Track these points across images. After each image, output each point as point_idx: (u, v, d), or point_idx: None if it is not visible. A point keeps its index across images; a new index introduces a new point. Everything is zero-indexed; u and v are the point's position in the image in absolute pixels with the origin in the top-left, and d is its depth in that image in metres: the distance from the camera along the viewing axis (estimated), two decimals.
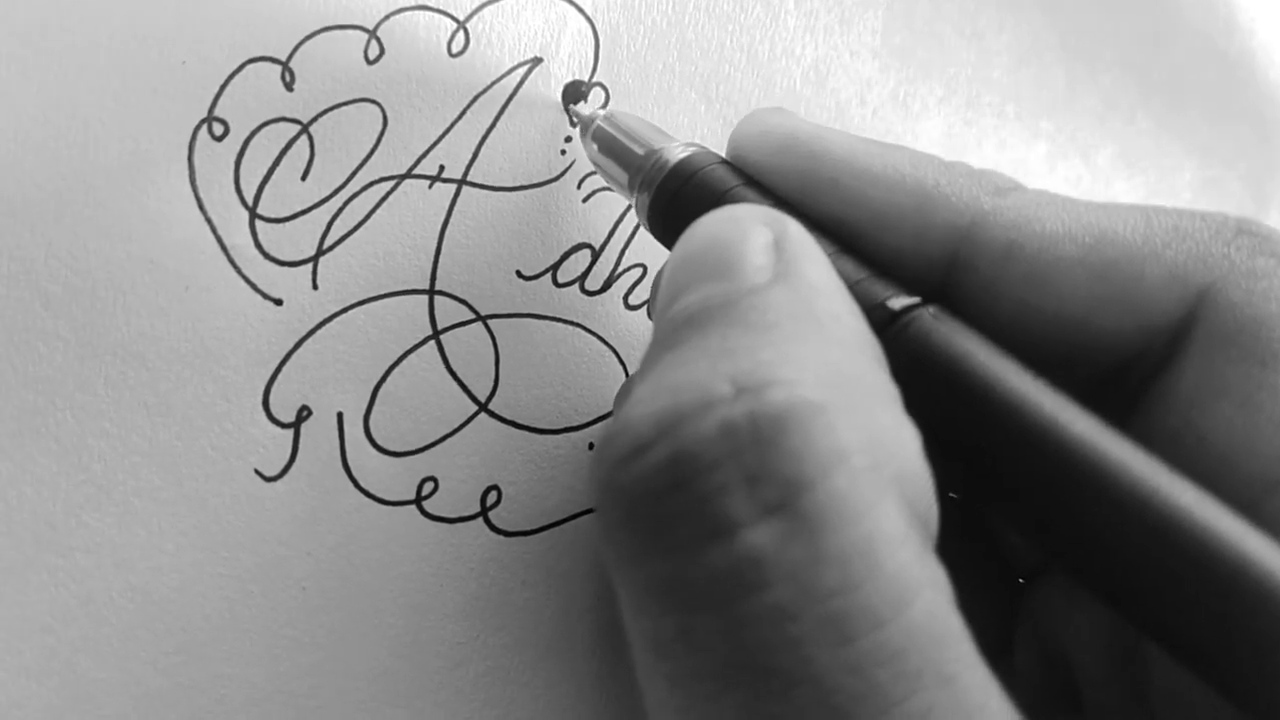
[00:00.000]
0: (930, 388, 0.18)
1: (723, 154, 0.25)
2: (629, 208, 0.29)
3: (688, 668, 0.15)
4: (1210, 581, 0.16)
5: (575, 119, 0.27)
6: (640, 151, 0.25)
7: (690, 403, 0.15)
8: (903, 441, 0.16)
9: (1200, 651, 0.16)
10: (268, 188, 0.26)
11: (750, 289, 0.17)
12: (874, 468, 0.15)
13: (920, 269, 0.22)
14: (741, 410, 0.15)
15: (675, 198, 0.23)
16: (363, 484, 0.27)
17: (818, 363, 0.16)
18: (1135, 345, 0.20)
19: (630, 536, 0.16)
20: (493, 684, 0.28)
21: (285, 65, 0.26)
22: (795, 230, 0.19)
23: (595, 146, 0.27)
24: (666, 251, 0.26)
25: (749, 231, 0.18)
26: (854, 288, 0.20)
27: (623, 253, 0.29)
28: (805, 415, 0.15)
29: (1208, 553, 0.16)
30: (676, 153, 0.24)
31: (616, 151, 0.26)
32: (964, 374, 0.18)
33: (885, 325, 0.19)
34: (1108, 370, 0.21)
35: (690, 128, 0.30)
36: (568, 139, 0.29)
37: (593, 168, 0.29)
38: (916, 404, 0.17)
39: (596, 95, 0.29)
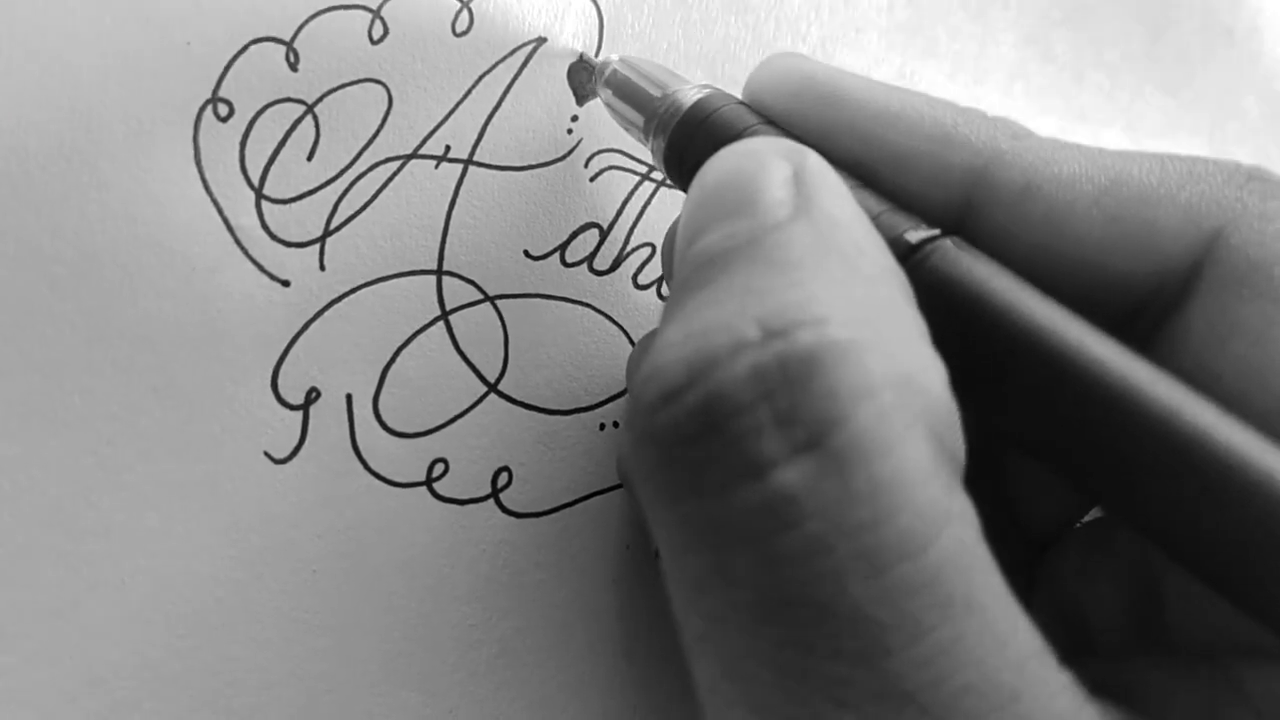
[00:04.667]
0: (953, 318, 0.18)
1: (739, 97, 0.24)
2: (636, 186, 0.29)
3: (725, 603, 0.15)
4: (1239, 497, 0.16)
5: (589, 65, 0.27)
6: (655, 94, 0.24)
7: (720, 346, 0.16)
8: (931, 375, 0.16)
9: (1232, 571, 0.16)
10: (273, 168, 0.26)
11: (772, 224, 0.17)
12: (903, 402, 0.15)
13: (935, 210, 0.22)
14: (771, 353, 0.15)
15: (692, 139, 0.23)
16: (373, 466, 0.27)
17: (844, 299, 0.16)
18: (1148, 286, 0.21)
19: (667, 480, 0.16)
20: (506, 666, 0.27)
21: (289, 45, 0.26)
22: (815, 162, 0.19)
23: (610, 91, 0.26)
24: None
25: (767, 165, 0.18)
26: (874, 220, 0.19)
27: (631, 232, 0.29)
28: (833, 355, 0.15)
29: (1235, 469, 0.16)
30: (691, 94, 0.24)
31: (631, 95, 0.25)
32: (988, 302, 0.18)
33: (906, 257, 0.19)
34: (1121, 311, 0.21)
35: None
36: (574, 118, 0.29)
37: (600, 146, 0.29)
38: (938, 335, 0.17)
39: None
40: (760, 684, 0.15)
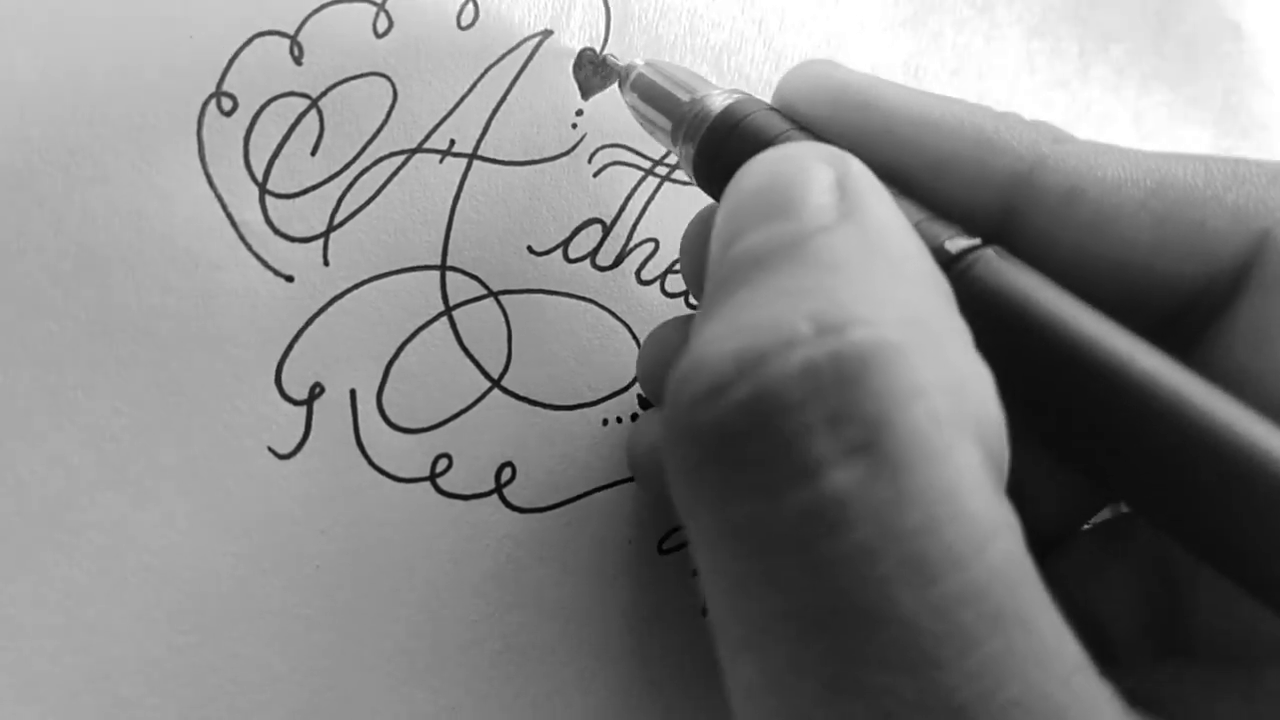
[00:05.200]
0: (995, 329, 0.18)
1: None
2: (640, 181, 0.29)
3: (771, 609, 0.15)
4: None
5: (614, 67, 0.27)
6: (684, 99, 0.24)
7: (771, 342, 0.15)
8: (980, 382, 0.16)
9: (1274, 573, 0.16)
10: (277, 163, 0.26)
11: (817, 228, 0.17)
12: (954, 407, 0.15)
13: (975, 216, 0.21)
14: (824, 349, 0.15)
15: (723, 144, 0.23)
16: (376, 461, 0.27)
17: (894, 302, 0.16)
18: (1195, 288, 0.20)
19: (711, 479, 0.16)
20: (509, 661, 0.28)
21: (293, 39, 0.26)
22: (858, 167, 0.18)
23: (636, 95, 0.26)
24: (695, 214, 0.26)
25: (810, 169, 0.18)
26: (916, 228, 0.19)
27: (634, 228, 0.29)
28: (887, 355, 0.15)
29: None
30: (721, 99, 0.23)
31: (658, 99, 0.25)
32: (1030, 314, 0.18)
33: (947, 266, 0.19)
34: (1167, 314, 0.21)
35: None
36: (579, 112, 0.29)
37: (605, 141, 0.29)
38: (981, 346, 0.17)
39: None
40: (803, 695, 0.15)
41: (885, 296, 0.16)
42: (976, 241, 0.20)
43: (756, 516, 0.15)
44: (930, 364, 0.15)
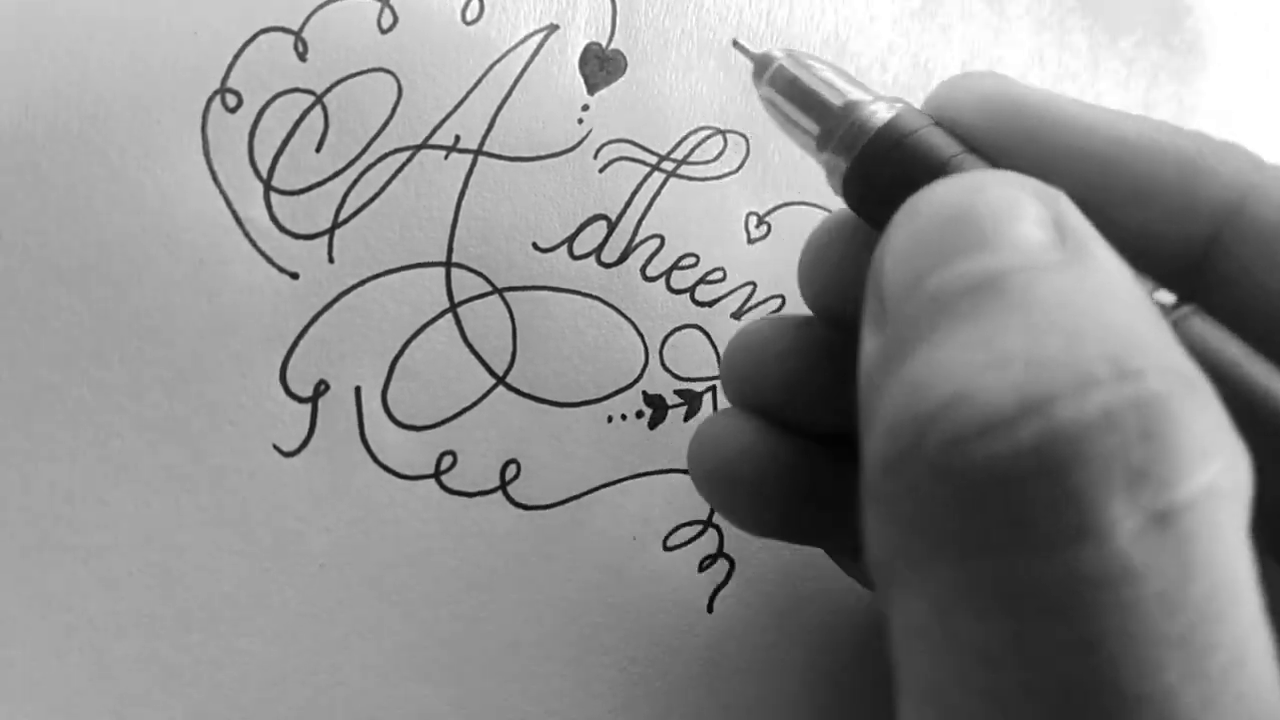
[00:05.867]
0: None
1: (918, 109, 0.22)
2: (646, 177, 0.29)
3: (1017, 682, 0.13)
4: None
5: (749, 56, 0.24)
6: (836, 103, 0.22)
7: (1065, 381, 0.14)
8: (1245, 458, 0.15)
9: None
10: (282, 159, 0.26)
11: (1047, 265, 0.15)
12: (1233, 475, 0.14)
13: (1176, 249, 0.20)
14: (1125, 396, 0.13)
15: (885, 163, 0.20)
16: (381, 458, 0.27)
17: (1158, 353, 0.14)
18: None
19: (967, 524, 0.14)
20: (515, 658, 0.28)
21: (298, 35, 0.26)
22: (1071, 205, 0.17)
23: (773, 90, 0.23)
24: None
25: (1020, 201, 0.16)
26: None
27: (639, 224, 0.29)
28: (1186, 409, 0.14)
29: None
30: (883, 110, 0.21)
31: (803, 99, 0.22)
32: (1239, 382, 0.17)
33: None
34: None
35: (710, 96, 0.30)
36: (584, 107, 0.28)
37: (611, 136, 0.28)
38: None
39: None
40: None
41: (1148, 346, 0.14)
42: (1174, 299, 0.18)
43: (1022, 573, 0.13)
44: (1212, 425, 0.14)
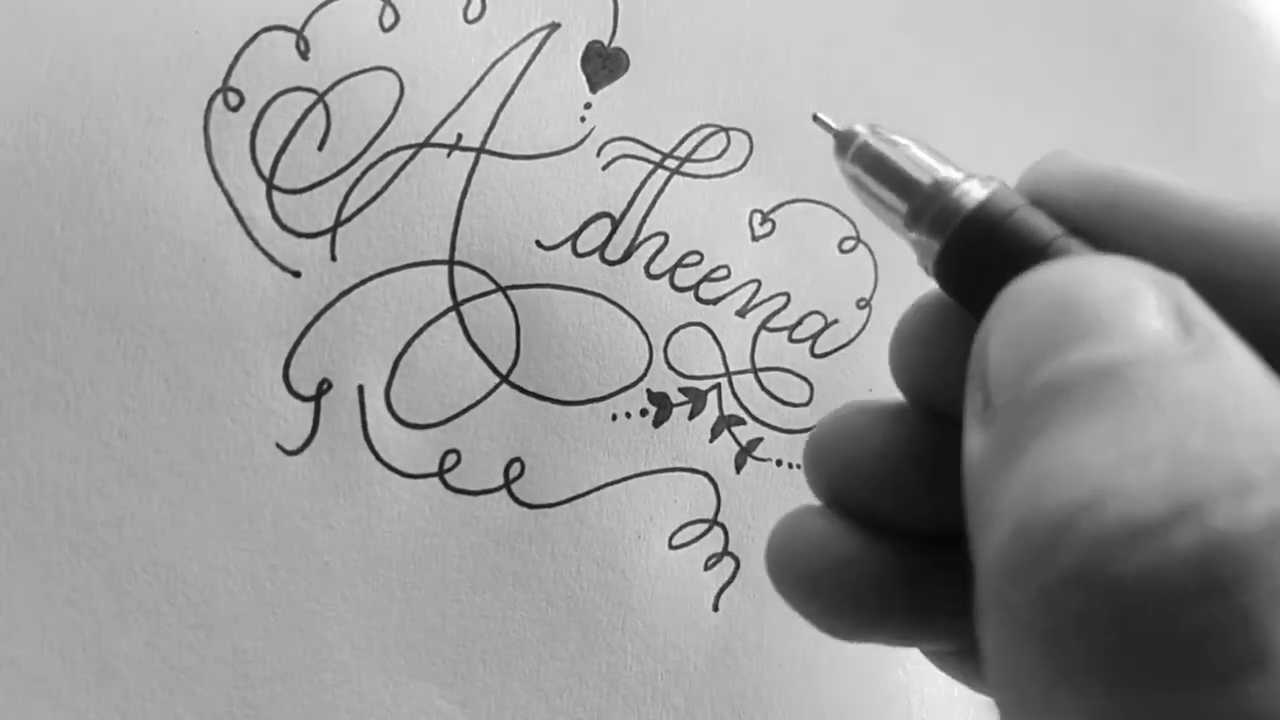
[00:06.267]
0: None
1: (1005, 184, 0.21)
2: (649, 175, 0.29)
3: None
4: None
5: (830, 130, 0.23)
6: (925, 180, 0.21)
7: (1219, 480, 0.12)
8: None
9: None
10: (284, 158, 0.26)
11: (1175, 358, 0.14)
12: None
13: None
14: None
15: (980, 245, 0.20)
16: (385, 457, 0.27)
17: None
18: None
19: (1118, 646, 0.12)
20: (519, 656, 0.27)
21: (299, 34, 0.26)
22: (1193, 294, 0.15)
23: (860, 167, 0.22)
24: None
25: (1141, 290, 0.15)
26: None
27: (643, 222, 0.29)
28: None
29: None
30: (976, 190, 0.20)
31: (890, 176, 0.21)
32: None
33: None
34: None
35: (712, 93, 0.30)
36: (587, 105, 0.28)
37: (613, 134, 0.28)
38: None
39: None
40: None
41: None
42: None
43: (1181, 710, 0.12)
44: None
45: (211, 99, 0.25)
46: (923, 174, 0.21)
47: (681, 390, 0.29)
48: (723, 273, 0.29)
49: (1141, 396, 0.13)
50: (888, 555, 0.21)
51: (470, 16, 0.27)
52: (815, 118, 0.23)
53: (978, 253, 0.20)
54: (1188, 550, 0.12)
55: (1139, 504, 0.12)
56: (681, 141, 0.29)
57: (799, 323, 0.30)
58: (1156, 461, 0.12)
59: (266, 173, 0.26)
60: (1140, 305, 0.15)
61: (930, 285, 0.21)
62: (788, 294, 0.30)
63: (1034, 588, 0.13)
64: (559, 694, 0.28)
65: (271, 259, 0.26)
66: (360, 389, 0.27)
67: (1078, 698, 0.12)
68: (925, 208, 0.20)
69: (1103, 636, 0.12)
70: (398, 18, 0.27)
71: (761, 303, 0.29)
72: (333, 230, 0.26)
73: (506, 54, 0.28)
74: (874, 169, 0.22)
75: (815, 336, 0.30)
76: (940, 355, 0.19)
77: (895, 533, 0.21)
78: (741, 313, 0.29)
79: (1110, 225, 0.18)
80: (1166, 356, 0.14)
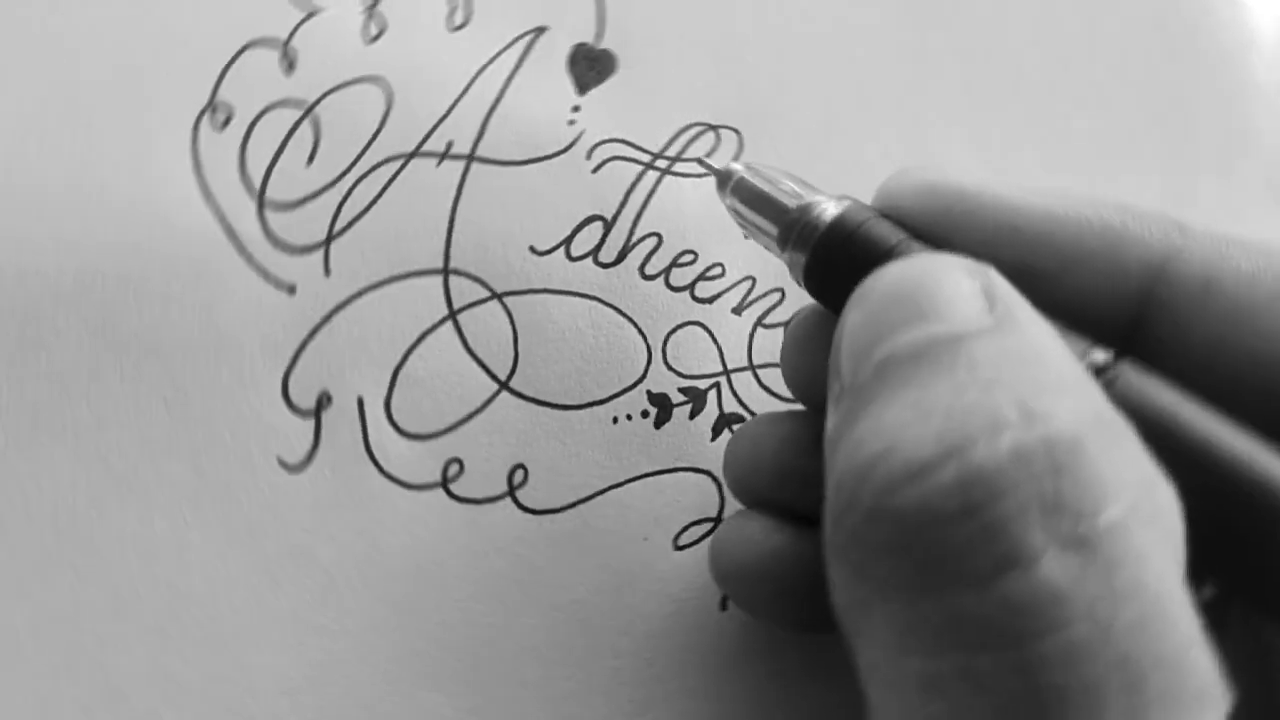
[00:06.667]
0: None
1: (864, 202, 0.24)
2: (640, 175, 0.29)
3: (968, 710, 0.14)
4: None
5: (712, 172, 0.26)
6: (790, 204, 0.24)
7: (978, 425, 0.15)
8: (1164, 485, 0.16)
9: None
10: (274, 174, 0.26)
11: (976, 330, 0.17)
12: (1151, 507, 0.15)
13: (1108, 311, 0.21)
14: (1035, 435, 0.15)
15: (838, 253, 0.22)
16: (387, 469, 0.27)
17: (1075, 400, 0.16)
18: None
19: (905, 565, 0.15)
20: (526, 664, 0.27)
21: (285, 48, 0.26)
22: (999, 276, 0.18)
23: (737, 199, 0.25)
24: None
25: (953, 276, 0.18)
26: None
27: (636, 223, 0.29)
28: (1098, 445, 0.15)
29: None
30: (831, 207, 0.23)
31: (761, 204, 0.25)
32: (1176, 431, 0.18)
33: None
34: None
35: (701, 92, 0.30)
36: (575, 108, 0.28)
37: (603, 136, 0.28)
38: None
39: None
40: None
41: (1062, 392, 0.16)
42: (1111, 355, 0.19)
43: (959, 609, 0.14)
44: (1128, 460, 0.15)
45: (199, 116, 0.25)
46: (789, 200, 0.24)
47: (681, 390, 0.29)
48: (717, 270, 0.29)
49: (944, 366, 0.16)
50: (805, 545, 0.23)
51: (455, 24, 0.27)
52: (699, 161, 0.27)
53: (836, 261, 0.22)
54: (950, 481, 0.15)
55: (917, 450, 0.15)
56: (671, 141, 0.29)
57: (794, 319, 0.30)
58: (935, 417, 0.15)
59: (256, 189, 0.26)
60: (954, 292, 0.17)
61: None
62: (782, 290, 0.29)
63: (846, 530, 0.16)
64: (569, 700, 0.27)
65: (265, 275, 0.26)
66: (360, 401, 0.27)
67: (885, 614, 0.15)
68: (792, 228, 0.23)
69: (893, 560, 0.15)
70: (383, 28, 0.27)
71: (757, 299, 0.29)
72: (326, 244, 0.27)
73: (493, 60, 0.28)
74: (749, 201, 0.25)
75: None
76: (821, 360, 0.21)
77: (810, 523, 0.24)
78: (738, 310, 0.29)
79: (946, 227, 0.22)
80: (970, 331, 0.17)
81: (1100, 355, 0.19)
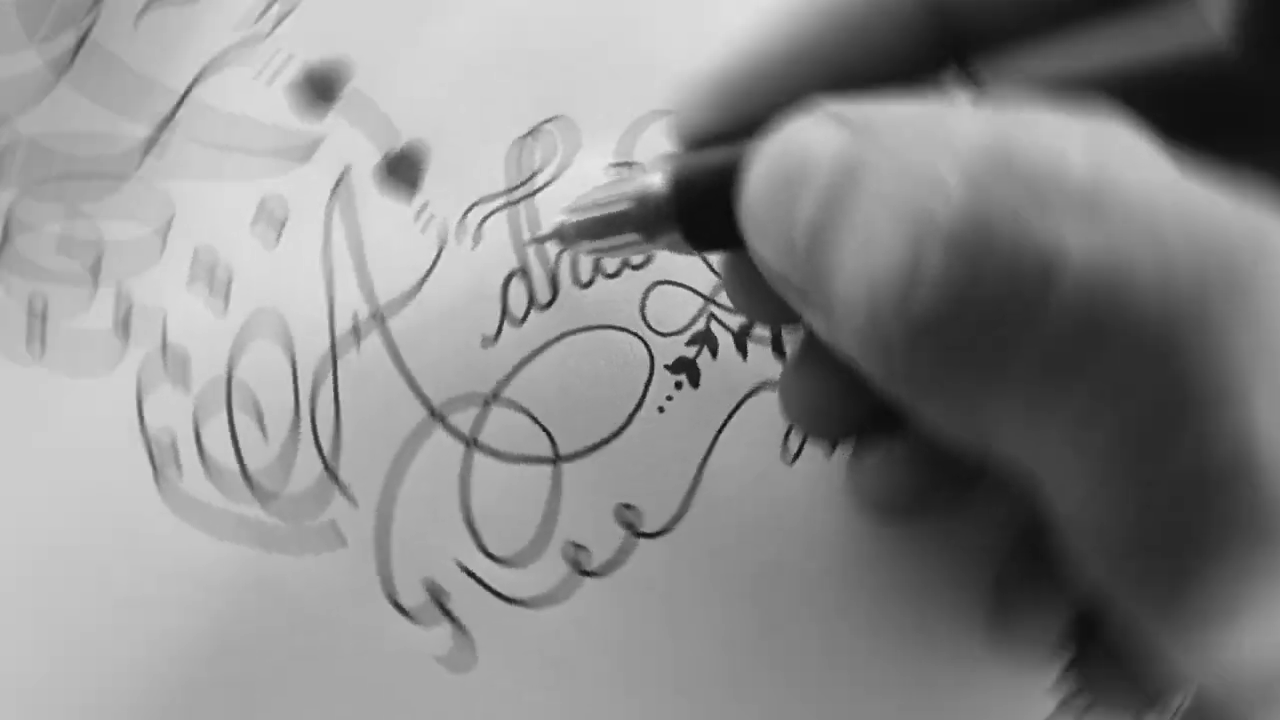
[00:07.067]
0: None
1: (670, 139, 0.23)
2: (516, 216, 0.29)
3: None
4: None
5: (548, 239, 0.25)
6: (628, 205, 0.23)
7: (922, 199, 0.16)
8: (1108, 121, 0.17)
9: None
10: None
11: (851, 154, 0.18)
12: (1115, 142, 0.16)
13: (927, 51, 0.21)
14: (973, 166, 0.16)
15: (697, 208, 0.22)
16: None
17: (975, 123, 0.17)
18: None
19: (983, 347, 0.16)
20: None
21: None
22: (831, 103, 0.19)
23: (586, 240, 0.24)
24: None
25: (798, 141, 0.19)
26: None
27: (540, 251, 0.29)
28: (1022, 136, 0.16)
29: None
30: (657, 178, 0.22)
31: (607, 228, 0.24)
32: (1050, 77, 0.19)
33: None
34: None
35: (511, 118, 0.30)
36: (421, 208, 0.29)
37: (459, 211, 0.29)
38: None
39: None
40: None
41: (962, 129, 0.17)
42: (960, 71, 0.20)
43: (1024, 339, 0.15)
44: (1056, 129, 0.16)
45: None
46: (623, 204, 0.23)
47: (687, 344, 0.29)
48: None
49: (849, 199, 0.17)
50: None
51: (270, 240, 0.28)
52: (534, 239, 0.26)
53: (701, 217, 0.22)
54: (940, 256, 0.16)
55: (896, 260, 0.16)
56: (519, 173, 0.29)
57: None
58: (882, 235, 0.16)
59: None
60: (809, 150, 0.18)
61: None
62: None
63: (920, 363, 0.17)
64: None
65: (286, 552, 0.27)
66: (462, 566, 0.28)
67: (1000, 395, 0.16)
68: (646, 221, 0.23)
69: (962, 355, 0.16)
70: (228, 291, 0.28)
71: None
72: (331, 475, 0.28)
73: (329, 230, 0.28)
74: (596, 233, 0.24)
75: None
76: (767, 290, 0.21)
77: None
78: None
79: (750, 105, 0.21)
80: (845, 159, 0.18)
81: (951, 80, 0.19)
